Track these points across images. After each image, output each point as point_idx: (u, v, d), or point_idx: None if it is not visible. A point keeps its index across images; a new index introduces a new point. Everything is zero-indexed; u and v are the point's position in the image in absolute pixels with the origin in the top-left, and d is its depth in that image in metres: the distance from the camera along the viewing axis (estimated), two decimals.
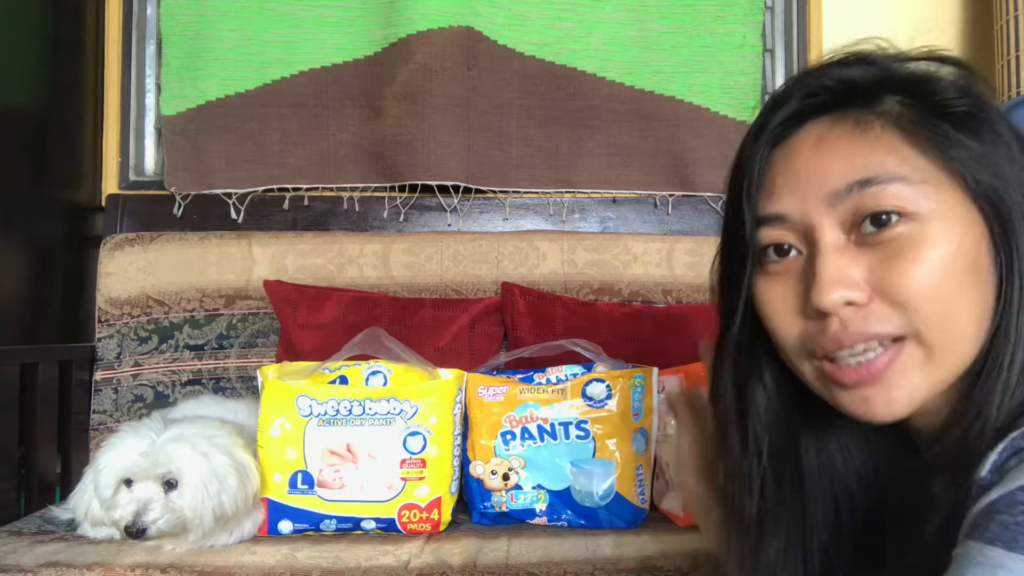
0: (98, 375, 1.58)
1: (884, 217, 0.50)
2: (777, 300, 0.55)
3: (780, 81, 1.88)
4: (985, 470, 0.44)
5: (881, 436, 0.60)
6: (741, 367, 0.61)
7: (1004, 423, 0.47)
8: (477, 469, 1.28)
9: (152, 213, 1.76)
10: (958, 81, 0.53)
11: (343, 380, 1.26)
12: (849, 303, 0.51)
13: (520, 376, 1.33)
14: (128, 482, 1.08)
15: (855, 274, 0.51)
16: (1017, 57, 1.60)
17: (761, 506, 0.60)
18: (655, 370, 1.30)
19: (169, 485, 1.08)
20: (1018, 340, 0.49)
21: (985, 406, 0.48)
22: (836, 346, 0.51)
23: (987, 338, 0.50)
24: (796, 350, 0.55)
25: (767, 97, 0.55)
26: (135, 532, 1.03)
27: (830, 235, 0.52)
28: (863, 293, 0.50)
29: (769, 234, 0.55)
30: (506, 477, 1.27)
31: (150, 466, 1.06)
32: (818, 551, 0.60)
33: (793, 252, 0.55)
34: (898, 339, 0.50)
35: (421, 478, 1.21)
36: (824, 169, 0.52)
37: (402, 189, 1.77)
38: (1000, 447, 0.45)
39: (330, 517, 1.20)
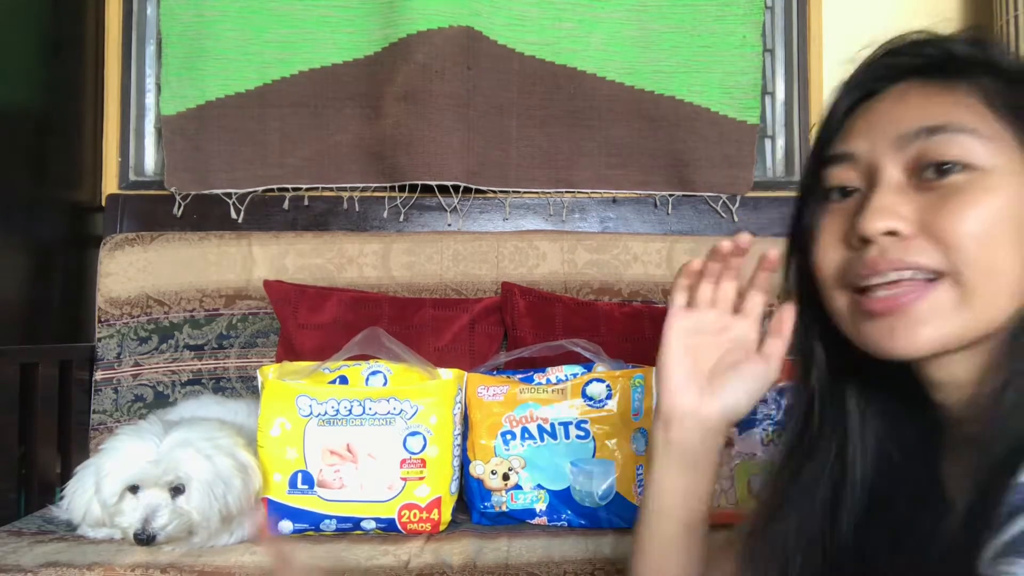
0: (98, 375, 1.58)
1: (946, 166, 0.50)
2: (826, 231, 0.56)
3: (780, 81, 1.89)
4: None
5: (911, 425, 0.59)
6: (804, 311, 0.61)
7: None
8: (477, 469, 1.28)
9: (152, 213, 1.76)
10: None
11: (343, 380, 1.26)
12: (891, 232, 0.51)
13: (520, 376, 1.33)
14: (133, 488, 1.07)
15: (904, 210, 0.51)
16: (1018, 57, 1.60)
17: (802, 438, 0.61)
18: (655, 370, 1.30)
19: (176, 490, 1.07)
20: None
21: (1017, 376, 0.47)
22: (871, 271, 0.52)
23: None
24: (833, 280, 0.56)
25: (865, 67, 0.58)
26: (145, 539, 1.03)
27: (891, 173, 0.53)
28: (908, 227, 0.51)
29: (836, 174, 0.56)
30: (506, 477, 1.26)
31: (159, 473, 1.06)
32: (849, 509, 0.59)
33: (857, 194, 0.55)
34: (935, 278, 0.50)
35: (421, 478, 1.21)
36: (899, 115, 0.53)
37: (402, 189, 1.77)
38: None
39: (330, 517, 1.20)
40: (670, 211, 1.80)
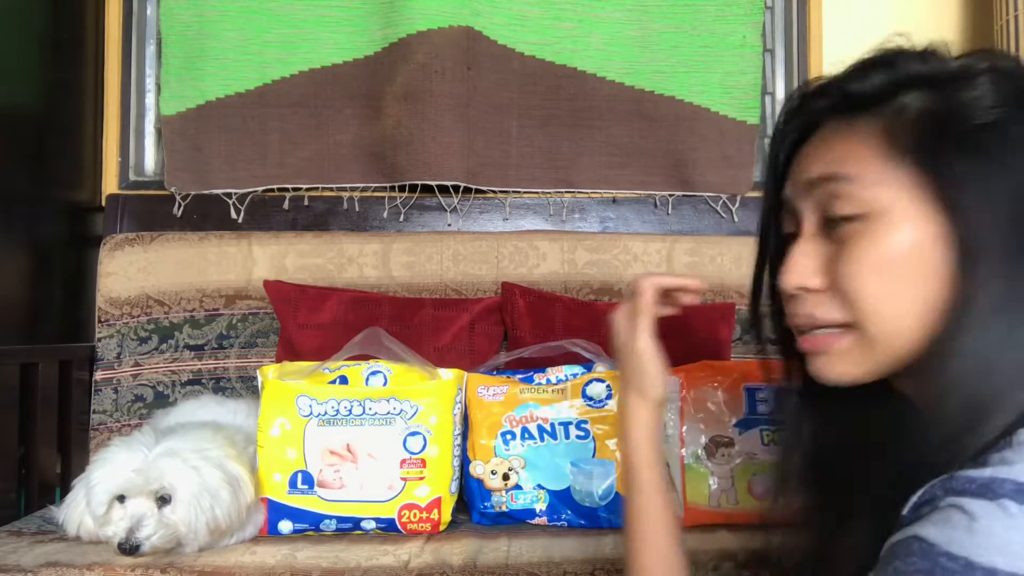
0: (98, 375, 1.58)
1: (844, 217, 0.54)
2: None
3: (780, 81, 1.89)
4: (907, 508, 0.46)
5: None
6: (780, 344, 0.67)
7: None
8: (477, 469, 1.28)
9: (152, 213, 1.76)
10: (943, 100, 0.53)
11: (343, 380, 1.26)
12: (803, 288, 0.57)
13: (520, 376, 1.33)
14: (121, 498, 1.06)
15: (815, 263, 0.56)
16: (1018, 57, 1.60)
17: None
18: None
19: (163, 500, 1.06)
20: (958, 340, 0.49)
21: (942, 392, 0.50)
22: (791, 323, 0.59)
23: (933, 331, 0.52)
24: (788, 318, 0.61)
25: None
26: (128, 548, 1.02)
27: (809, 220, 0.57)
28: (818, 280, 0.56)
29: (784, 219, 0.61)
30: (506, 477, 1.26)
31: (143, 482, 1.05)
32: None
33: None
34: (844, 328, 0.55)
35: (421, 478, 1.21)
36: (810, 160, 0.57)
37: (402, 189, 1.77)
38: (923, 490, 0.45)
39: (330, 517, 1.20)
40: (670, 211, 1.80)
